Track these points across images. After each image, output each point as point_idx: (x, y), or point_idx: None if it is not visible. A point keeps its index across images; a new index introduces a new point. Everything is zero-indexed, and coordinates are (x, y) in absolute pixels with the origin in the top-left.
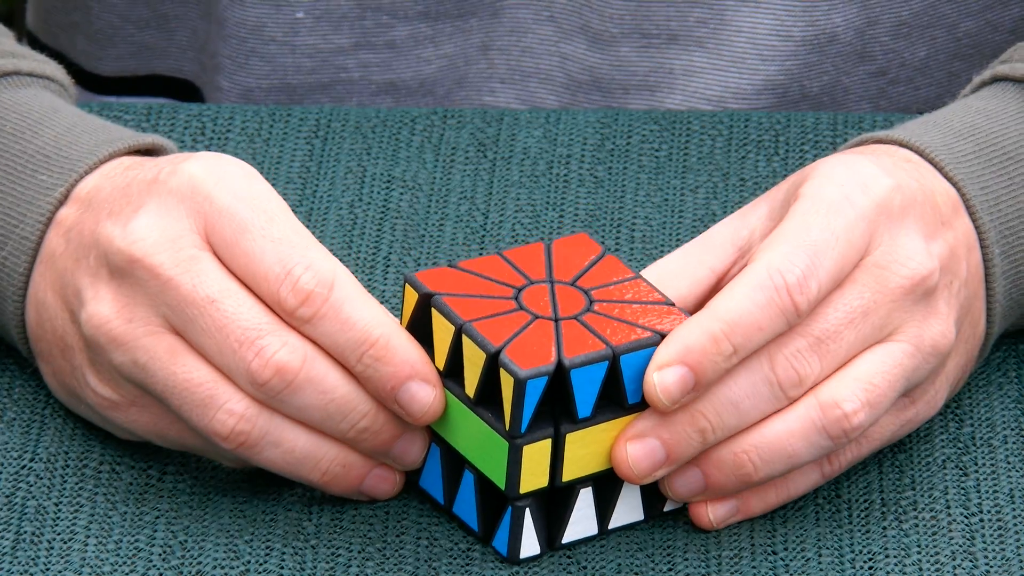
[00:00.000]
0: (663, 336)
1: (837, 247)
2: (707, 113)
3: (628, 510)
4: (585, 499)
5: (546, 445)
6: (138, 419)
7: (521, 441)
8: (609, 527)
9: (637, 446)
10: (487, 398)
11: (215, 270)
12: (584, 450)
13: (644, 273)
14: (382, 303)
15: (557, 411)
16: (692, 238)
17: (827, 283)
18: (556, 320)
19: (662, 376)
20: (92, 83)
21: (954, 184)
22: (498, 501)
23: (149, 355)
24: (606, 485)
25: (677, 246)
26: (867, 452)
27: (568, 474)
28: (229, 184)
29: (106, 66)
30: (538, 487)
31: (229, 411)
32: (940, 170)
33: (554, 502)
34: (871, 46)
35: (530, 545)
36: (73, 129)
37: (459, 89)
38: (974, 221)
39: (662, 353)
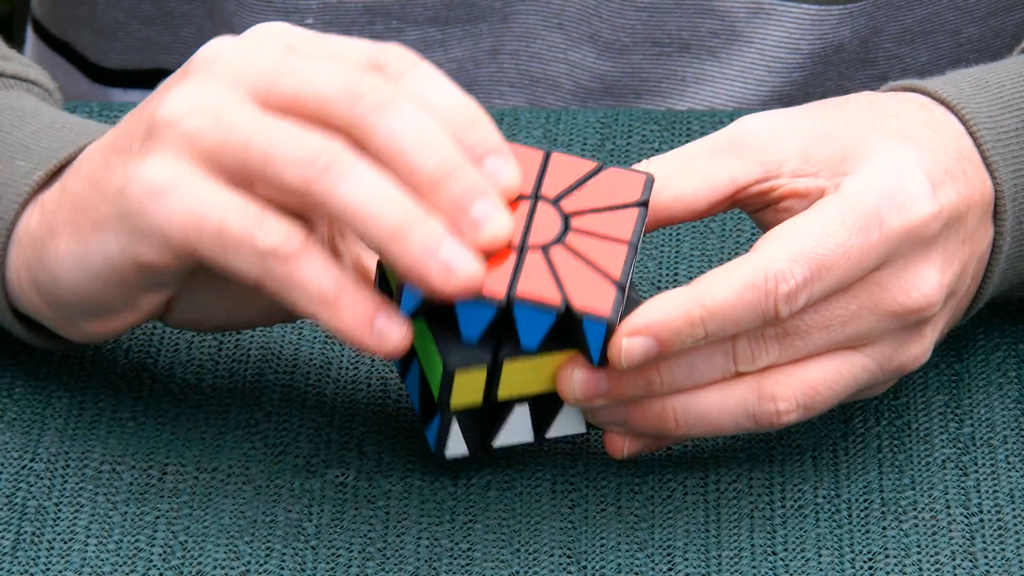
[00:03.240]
0: (623, 290)
1: (845, 267)
2: (707, 113)
3: (568, 423)
4: (521, 413)
5: (482, 372)
6: (184, 199)
7: (453, 366)
8: (547, 436)
9: (583, 375)
10: (441, 314)
11: (299, 57)
12: (523, 376)
13: (666, 160)
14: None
15: (503, 337)
16: (691, 238)
17: (817, 297)
18: (522, 250)
19: (630, 342)
20: (98, 75)
21: (991, 172)
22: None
23: (234, 112)
24: (545, 401)
25: (676, 246)
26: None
27: (503, 395)
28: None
29: (111, 59)
30: (470, 405)
31: (319, 141)
32: (981, 150)
33: (489, 411)
34: (874, 53)
35: (456, 446)
36: (53, 125)
37: (468, 92)
38: (997, 209)
39: (637, 319)
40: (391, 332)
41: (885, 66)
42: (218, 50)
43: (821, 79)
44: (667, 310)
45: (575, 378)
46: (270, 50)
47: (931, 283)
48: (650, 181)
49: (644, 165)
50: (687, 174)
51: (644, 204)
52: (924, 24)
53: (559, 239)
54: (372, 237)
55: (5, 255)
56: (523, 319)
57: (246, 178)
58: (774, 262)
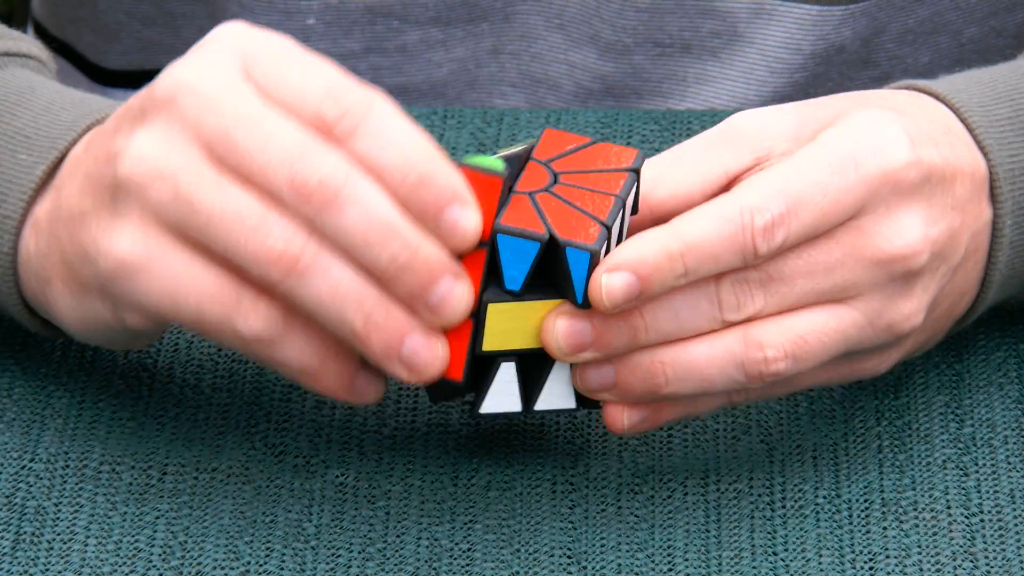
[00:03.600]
0: (608, 228)
1: (822, 204)
2: (707, 113)
3: (557, 395)
4: (507, 374)
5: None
6: (159, 280)
7: (486, 301)
8: (535, 408)
9: (567, 322)
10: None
11: (256, 94)
12: (509, 324)
13: (659, 159)
14: None
15: (490, 281)
16: None
17: (797, 236)
18: (509, 191)
19: (610, 279)
20: (98, 75)
21: (984, 154)
22: None
23: (193, 185)
24: (533, 364)
25: None
26: (783, 394)
27: (488, 345)
28: (260, 30)
29: (112, 60)
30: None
31: (279, 236)
32: (973, 134)
33: (478, 372)
34: (876, 53)
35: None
36: (51, 107)
37: (470, 92)
38: (993, 192)
39: (615, 256)
40: (368, 390)
41: (887, 66)
42: (175, 88)
43: (823, 79)
44: (645, 246)
45: (558, 326)
46: (226, 93)
47: (914, 232)
48: (642, 154)
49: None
50: (680, 170)
51: (635, 171)
52: (926, 24)
53: (547, 188)
54: (340, 335)
55: (15, 253)
56: (507, 251)
57: (213, 252)
58: (749, 197)
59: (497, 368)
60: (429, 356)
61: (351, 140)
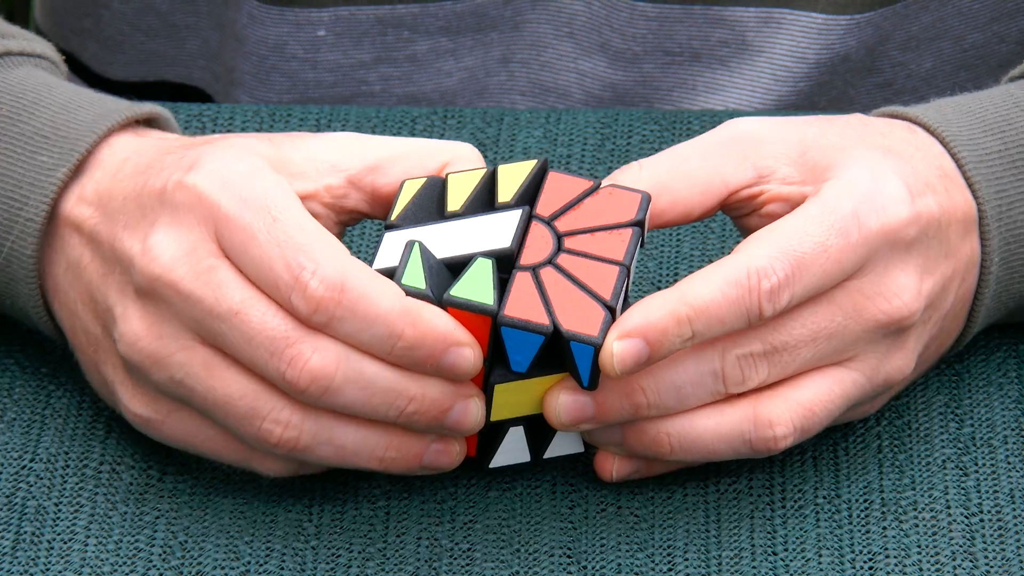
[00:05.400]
0: (613, 310)
1: (825, 265)
2: (707, 112)
3: (566, 444)
4: (516, 435)
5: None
6: (174, 434)
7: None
8: (544, 457)
9: (569, 398)
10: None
11: (234, 279)
12: (514, 397)
13: (660, 163)
14: None
15: (496, 360)
16: (691, 238)
17: (801, 296)
18: (533, 270)
19: (621, 346)
20: (102, 86)
21: (972, 191)
22: None
23: (185, 371)
24: (541, 423)
25: (676, 247)
26: None
27: (495, 417)
28: (233, 188)
29: (116, 71)
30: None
31: (275, 420)
32: (962, 171)
33: (486, 434)
34: (880, 61)
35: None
36: (68, 106)
37: (479, 100)
38: (981, 227)
39: (625, 323)
40: (442, 460)
41: (890, 73)
42: (153, 280)
43: (827, 88)
44: (653, 311)
45: (560, 402)
46: (203, 285)
47: (910, 290)
48: (646, 200)
49: (636, 167)
50: (681, 179)
51: (639, 224)
52: (929, 31)
53: (550, 260)
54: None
55: (39, 256)
56: (512, 341)
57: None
58: (755, 259)
59: (506, 432)
60: (448, 460)
61: (330, 327)
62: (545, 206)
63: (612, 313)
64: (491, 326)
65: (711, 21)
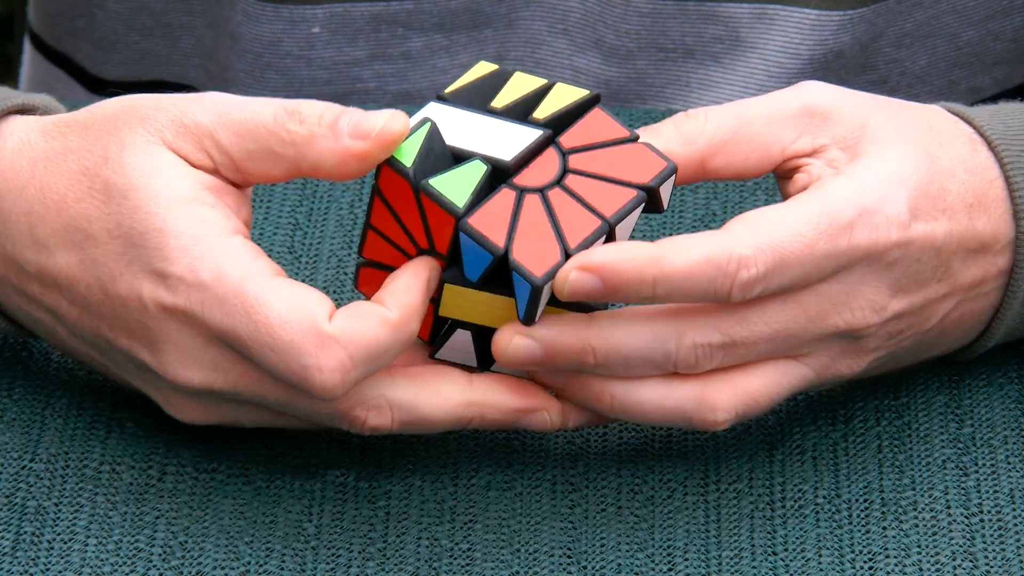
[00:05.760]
0: (568, 256)
1: (806, 267)
2: None
3: None
4: (463, 337)
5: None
6: (223, 420)
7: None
8: (492, 369)
9: (521, 341)
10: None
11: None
12: (464, 302)
13: (724, 118)
14: None
15: (455, 260)
16: (693, 212)
17: (773, 290)
18: (521, 192)
19: (578, 276)
20: (96, 86)
21: (1017, 218)
22: None
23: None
24: (488, 335)
25: (679, 217)
26: None
27: (444, 312)
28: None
29: (110, 71)
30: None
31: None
32: (1012, 197)
33: (437, 320)
34: (874, 58)
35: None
36: None
37: None
38: (1018, 251)
39: (592, 256)
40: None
41: (884, 71)
42: (164, 400)
43: None
44: (624, 259)
45: (512, 342)
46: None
47: (875, 305)
48: (668, 171)
49: (703, 117)
50: (742, 142)
51: (648, 190)
52: (923, 28)
53: (542, 189)
54: None
55: None
56: (467, 250)
57: None
58: (741, 246)
59: (452, 332)
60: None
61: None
62: (572, 137)
63: (567, 258)
64: (454, 228)
65: (705, 17)
